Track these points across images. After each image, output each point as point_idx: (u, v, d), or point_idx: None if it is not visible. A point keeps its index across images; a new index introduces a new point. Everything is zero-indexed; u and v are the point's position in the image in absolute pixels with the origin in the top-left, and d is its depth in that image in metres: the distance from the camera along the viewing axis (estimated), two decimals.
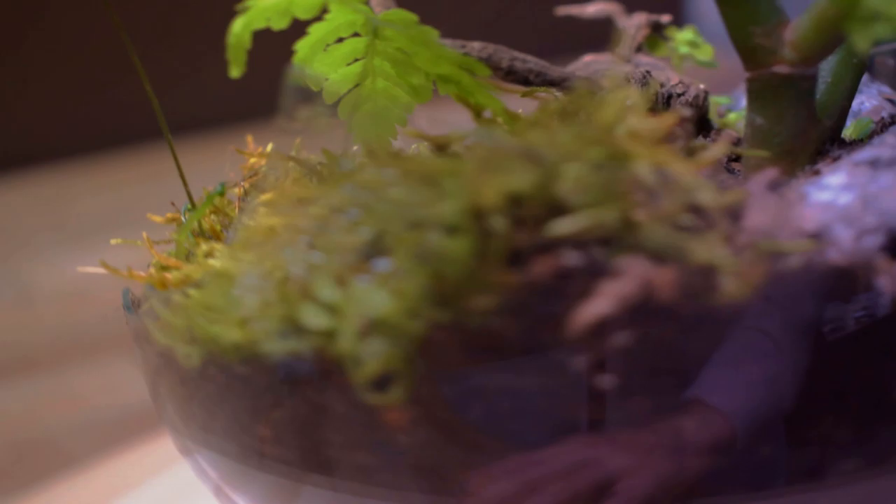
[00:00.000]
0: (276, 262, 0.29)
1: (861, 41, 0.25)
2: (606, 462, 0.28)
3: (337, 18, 0.34)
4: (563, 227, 0.26)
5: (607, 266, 0.27)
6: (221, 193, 0.35)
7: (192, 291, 0.31)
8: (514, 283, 0.27)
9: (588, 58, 0.44)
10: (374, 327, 0.28)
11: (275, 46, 0.35)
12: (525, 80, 0.41)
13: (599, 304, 0.26)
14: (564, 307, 0.27)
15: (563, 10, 0.48)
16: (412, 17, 0.33)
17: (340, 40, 0.35)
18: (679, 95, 0.39)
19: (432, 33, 0.33)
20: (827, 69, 0.36)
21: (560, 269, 0.27)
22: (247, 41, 0.32)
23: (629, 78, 0.39)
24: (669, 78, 0.41)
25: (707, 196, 0.28)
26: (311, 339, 0.29)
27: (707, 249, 0.27)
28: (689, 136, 0.32)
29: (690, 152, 0.30)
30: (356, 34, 0.35)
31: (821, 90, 0.36)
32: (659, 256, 0.27)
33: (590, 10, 0.48)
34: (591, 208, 0.26)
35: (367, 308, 0.28)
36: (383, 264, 0.28)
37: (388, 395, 0.28)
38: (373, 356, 0.28)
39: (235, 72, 0.32)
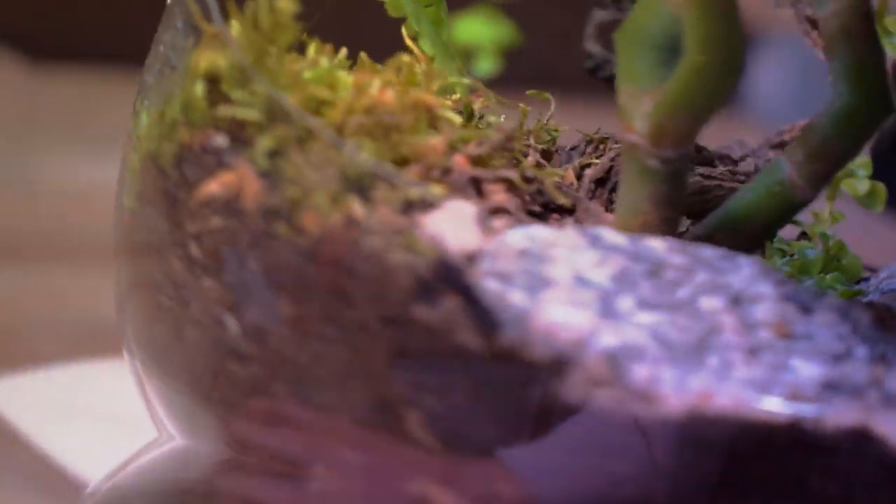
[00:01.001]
0: None
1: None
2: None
3: None
4: (221, 111, 0.30)
5: (235, 159, 0.30)
6: None
7: None
8: (186, 142, 0.31)
9: None
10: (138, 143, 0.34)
11: None
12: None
13: (213, 185, 0.30)
14: (200, 178, 0.31)
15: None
16: None
17: None
18: None
19: None
20: (753, 186, 0.33)
21: (206, 145, 0.31)
22: None
23: None
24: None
25: (362, 160, 0.29)
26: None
27: (306, 184, 0.29)
28: (493, 145, 0.32)
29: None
30: None
31: (743, 202, 0.33)
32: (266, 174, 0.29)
33: None
34: (245, 108, 0.30)
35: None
36: (151, 96, 0.34)
37: None
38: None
39: None
